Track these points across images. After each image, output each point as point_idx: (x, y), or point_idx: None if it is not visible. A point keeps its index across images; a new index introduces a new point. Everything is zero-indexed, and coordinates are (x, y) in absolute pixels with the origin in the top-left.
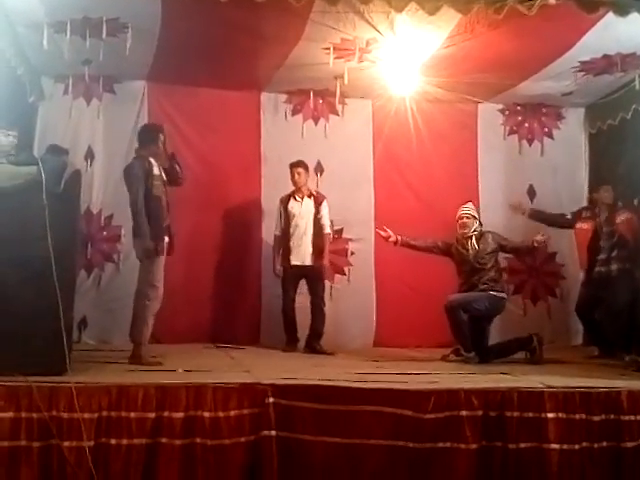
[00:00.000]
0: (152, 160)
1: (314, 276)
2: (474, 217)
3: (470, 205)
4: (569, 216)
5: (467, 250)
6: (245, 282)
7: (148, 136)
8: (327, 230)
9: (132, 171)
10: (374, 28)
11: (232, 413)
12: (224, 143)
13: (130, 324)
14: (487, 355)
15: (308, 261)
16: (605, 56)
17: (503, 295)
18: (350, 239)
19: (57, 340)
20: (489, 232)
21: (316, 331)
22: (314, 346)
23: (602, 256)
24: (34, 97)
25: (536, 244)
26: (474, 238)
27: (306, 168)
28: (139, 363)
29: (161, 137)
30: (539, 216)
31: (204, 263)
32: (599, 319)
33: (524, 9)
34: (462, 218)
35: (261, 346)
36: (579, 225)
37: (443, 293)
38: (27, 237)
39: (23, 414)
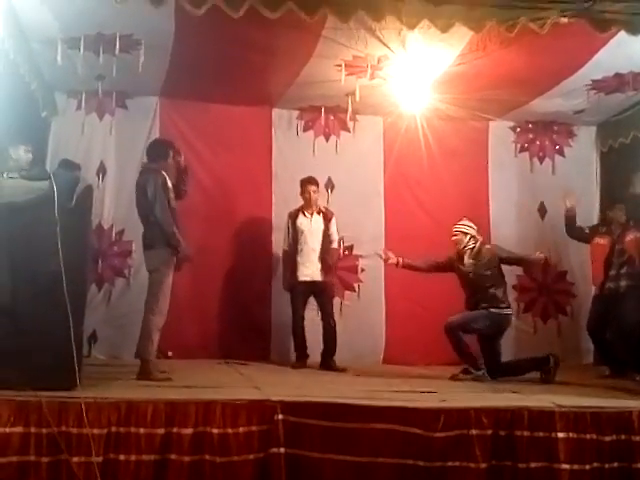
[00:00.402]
0: (164, 173)
1: (322, 293)
2: (464, 233)
3: (464, 221)
4: (587, 231)
5: (463, 265)
6: (255, 298)
7: (159, 151)
8: (335, 246)
9: (151, 183)
10: (386, 45)
11: (241, 430)
12: (235, 159)
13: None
14: (498, 372)
15: (317, 277)
16: (617, 74)
17: (507, 311)
18: (360, 256)
19: (67, 355)
20: (488, 246)
21: (329, 349)
22: (329, 364)
23: (612, 272)
24: (47, 112)
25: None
26: (469, 253)
27: (317, 185)
28: (148, 379)
29: (171, 152)
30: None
31: (215, 278)
32: (610, 338)
33: (536, 27)
34: (453, 235)
35: (271, 362)
36: (596, 240)
37: (452, 311)
38: (39, 252)
39: (32, 429)
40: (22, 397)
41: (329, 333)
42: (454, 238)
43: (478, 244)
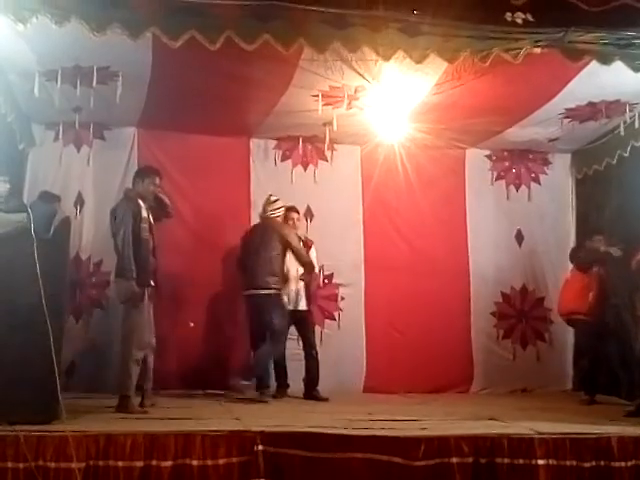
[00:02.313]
0: (140, 202)
1: (304, 321)
2: None
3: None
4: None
5: None
6: (236, 328)
7: (138, 177)
8: (316, 271)
9: (119, 211)
10: (362, 76)
11: (221, 461)
12: (214, 189)
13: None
14: None
15: (298, 306)
16: (590, 103)
17: None
18: (340, 284)
19: (46, 387)
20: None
21: (312, 379)
22: (313, 394)
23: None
24: (24, 144)
25: None
26: None
27: (299, 213)
28: (126, 412)
29: (151, 178)
30: None
31: (194, 309)
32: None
33: (510, 57)
34: None
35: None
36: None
37: (433, 339)
38: (16, 284)
39: (9, 464)
40: None
41: (312, 363)
42: None
43: None
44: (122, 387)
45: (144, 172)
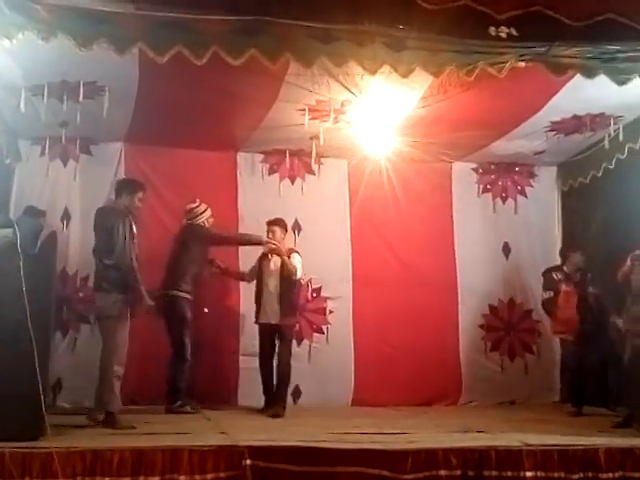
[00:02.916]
0: (131, 218)
1: (281, 336)
2: None
3: None
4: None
5: None
6: (222, 342)
7: (126, 191)
8: (299, 274)
9: (119, 224)
10: (348, 90)
11: (209, 476)
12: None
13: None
14: None
15: (274, 320)
16: (575, 116)
17: None
18: (328, 297)
19: (31, 404)
20: None
21: (278, 394)
22: (273, 409)
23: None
24: (11, 159)
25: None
26: None
27: (282, 226)
28: (113, 428)
29: (138, 194)
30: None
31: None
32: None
33: (494, 71)
34: None
35: (239, 407)
36: (563, 288)
37: (421, 352)
38: (2, 299)
39: None
40: None
41: (280, 378)
42: None
43: None
44: (106, 404)
45: (132, 186)
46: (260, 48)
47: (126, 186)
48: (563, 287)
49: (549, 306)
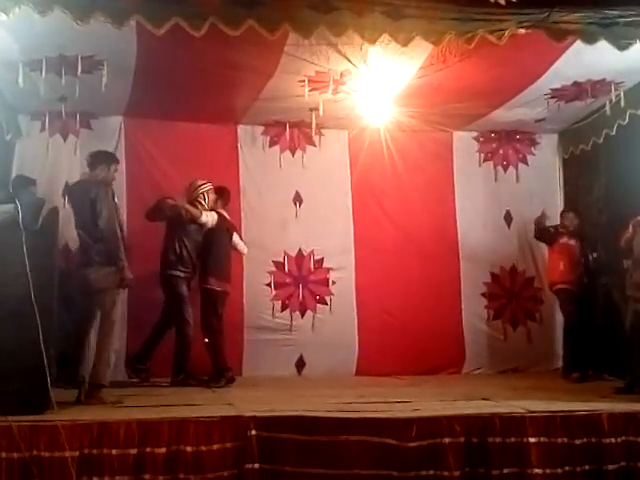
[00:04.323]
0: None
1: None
2: None
3: None
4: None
5: None
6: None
7: (104, 163)
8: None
9: (101, 196)
10: (348, 60)
11: (215, 447)
12: (202, 176)
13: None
14: None
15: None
16: (575, 83)
17: None
18: (331, 268)
19: (37, 378)
20: None
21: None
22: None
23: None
24: (11, 135)
25: None
26: None
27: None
28: (98, 403)
29: (115, 165)
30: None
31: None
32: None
33: (494, 39)
34: None
35: (244, 378)
36: (564, 240)
37: (424, 321)
38: (5, 275)
39: (3, 454)
40: None
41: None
42: None
43: None
44: (99, 376)
45: (108, 158)
46: (258, 19)
47: (102, 158)
48: (566, 240)
49: (543, 234)
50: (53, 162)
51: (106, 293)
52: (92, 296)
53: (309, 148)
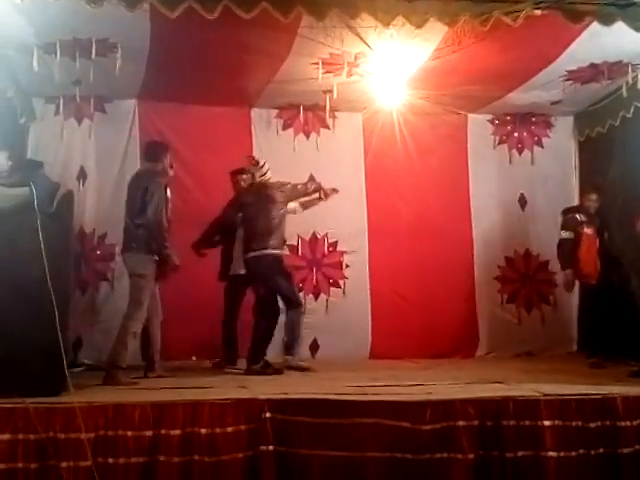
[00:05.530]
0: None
1: None
2: None
3: None
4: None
5: None
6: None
7: (158, 153)
8: None
9: (155, 186)
10: (363, 41)
11: (229, 429)
12: (216, 160)
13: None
14: None
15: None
16: (592, 65)
17: None
18: (344, 252)
19: (53, 361)
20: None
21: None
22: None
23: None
24: (25, 118)
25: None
26: None
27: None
28: (115, 384)
29: (168, 157)
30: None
31: (203, 280)
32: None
33: (509, 20)
34: None
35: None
36: (585, 230)
37: (437, 303)
38: (21, 259)
39: (20, 436)
40: (9, 404)
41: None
42: None
43: None
44: (116, 358)
45: (164, 149)
46: (272, 1)
47: (158, 149)
48: (585, 229)
49: (565, 247)
50: (68, 146)
51: (138, 278)
52: (130, 279)
53: (323, 131)
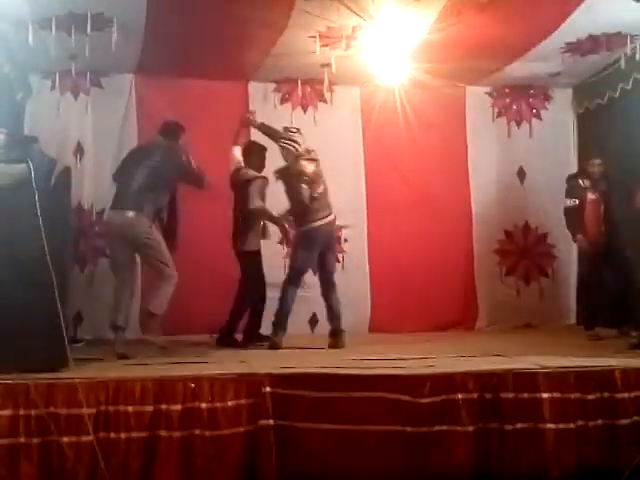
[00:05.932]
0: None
1: None
2: None
3: None
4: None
5: None
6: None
7: (176, 132)
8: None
9: (175, 160)
10: (358, 15)
11: (229, 404)
12: (213, 134)
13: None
14: None
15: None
16: (590, 36)
17: None
18: (343, 226)
19: (53, 337)
20: None
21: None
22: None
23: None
24: (21, 94)
25: None
26: None
27: None
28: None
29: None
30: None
31: (209, 256)
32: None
33: None
34: None
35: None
36: (588, 196)
37: (436, 277)
38: (19, 235)
39: (21, 411)
40: (9, 380)
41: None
42: None
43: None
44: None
45: (179, 128)
46: None
47: (176, 128)
48: (589, 196)
49: (572, 215)
50: (64, 121)
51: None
52: None
53: (321, 105)
